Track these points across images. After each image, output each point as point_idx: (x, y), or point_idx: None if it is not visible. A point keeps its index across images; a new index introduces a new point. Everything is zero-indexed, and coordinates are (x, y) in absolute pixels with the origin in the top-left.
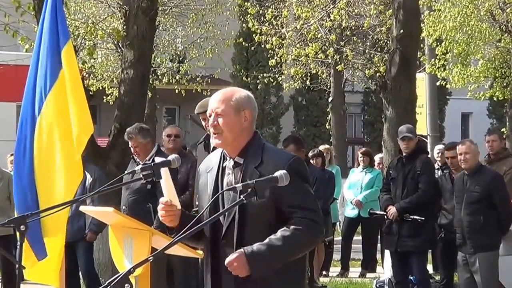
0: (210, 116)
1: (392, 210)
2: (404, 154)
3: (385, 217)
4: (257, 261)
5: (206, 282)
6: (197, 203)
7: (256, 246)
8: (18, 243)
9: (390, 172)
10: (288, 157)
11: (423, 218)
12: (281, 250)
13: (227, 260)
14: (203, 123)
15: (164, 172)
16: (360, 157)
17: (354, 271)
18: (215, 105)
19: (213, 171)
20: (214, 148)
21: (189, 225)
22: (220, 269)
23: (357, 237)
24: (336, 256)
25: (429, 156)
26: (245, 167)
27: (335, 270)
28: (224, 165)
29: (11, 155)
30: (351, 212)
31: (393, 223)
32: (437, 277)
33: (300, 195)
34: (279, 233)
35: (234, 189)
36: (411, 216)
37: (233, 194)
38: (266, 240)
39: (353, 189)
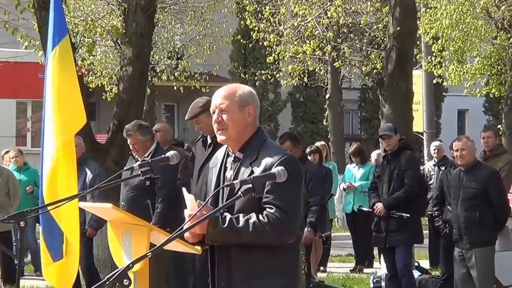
0: (213, 112)
1: (379, 206)
2: (387, 151)
3: (373, 214)
4: (214, 229)
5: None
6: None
7: (226, 216)
8: (14, 238)
9: (377, 170)
10: (279, 156)
11: (408, 215)
12: (239, 231)
13: (194, 213)
14: (196, 127)
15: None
16: (351, 157)
17: (350, 266)
18: (219, 101)
19: (217, 166)
20: (211, 145)
21: (187, 221)
22: (214, 259)
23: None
24: (334, 251)
25: (426, 152)
26: (241, 163)
27: (333, 265)
28: (227, 160)
29: (6, 152)
30: (346, 207)
31: (381, 220)
32: (434, 273)
33: (277, 194)
34: (248, 216)
35: (232, 185)
36: (397, 213)
37: (234, 189)
38: (235, 216)
39: (348, 183)
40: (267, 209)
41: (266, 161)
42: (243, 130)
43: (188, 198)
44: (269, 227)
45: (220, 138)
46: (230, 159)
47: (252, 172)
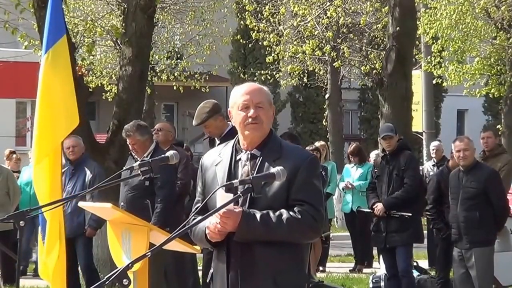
0: (245, 107)
1: (379, 206)
2: (387, 152)
3: (373, 215)
4: (247, 225)
5: (217, 273)
6: (199, 196)
7: (255, 213)
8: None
9: (375, 170)
10: (307, 155)
11: (410, 214)
12: (272, 227)
13: (226, 209)
14: (205, 131)
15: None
16: (350, 157)
17: (349, 266)
18: (255, 97)
19: (223, 164)
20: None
21: (187, 220)
22: (230, 258)
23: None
24: (333, 251)
25: (425, 152)
26: (262, 160)
27: (333, 265)
28: (238, 158)
29: (12, 152)
30: (345, 207)
31: (381, 220)
32: (433, 273)
33: (308, 191)
34: (279, 212)
35: (232, 184)
36: (399, 213)
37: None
38: (265, 212)
39: (346, 183)
40: (297, 206)
41: (294, 160)
42: (269, 127)
43: (223, 195)
44: (302, 224)
45: (252, 132)
46: (241, 156)
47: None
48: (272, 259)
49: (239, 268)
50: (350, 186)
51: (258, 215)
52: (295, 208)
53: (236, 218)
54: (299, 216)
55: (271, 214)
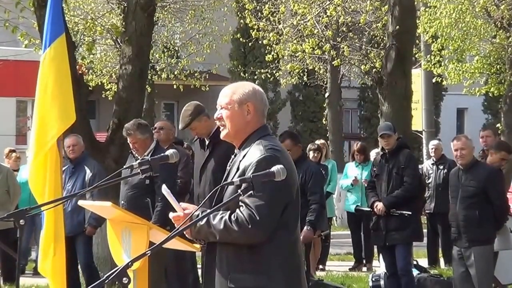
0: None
1: (379, 205)
2: (386, 150)
3: (372, 213)
4: (194, 227)
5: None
6: None
7: (207, 213)
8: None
9: (374, 169)
10: (259, 154)
11: (410, 213)
12: (214, 228)
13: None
14: (192, 133)
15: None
16: (356, 154)
17: (348, 265)
18: (220, 98)
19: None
20: (210, 145)
21: (187, 218)
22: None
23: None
24: (333, 250)
25: (425, 151)
26: (234, 160)
27: (332, 264)
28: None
29: (12, 151)
30: (350, 207)
31: (380, 219)
32: (432, 271)
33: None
34: (224, 213)
35: (232, 184)
36: (398, 211)
37: (223, 187)
38: (214, 214)
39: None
40: (240, 207)
41: (249, 160)
42: (243, 127)
43: (171, 199)
44: (236, 226)
45: (221, 135)
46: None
47: (237, 170)
48: (229, 258)
49: (205, 264)
50: (359, 180)
51: (208, 216)
52: (237, 209)
53: (183, 219)
54: (234, 219)
55: (218, 215)
